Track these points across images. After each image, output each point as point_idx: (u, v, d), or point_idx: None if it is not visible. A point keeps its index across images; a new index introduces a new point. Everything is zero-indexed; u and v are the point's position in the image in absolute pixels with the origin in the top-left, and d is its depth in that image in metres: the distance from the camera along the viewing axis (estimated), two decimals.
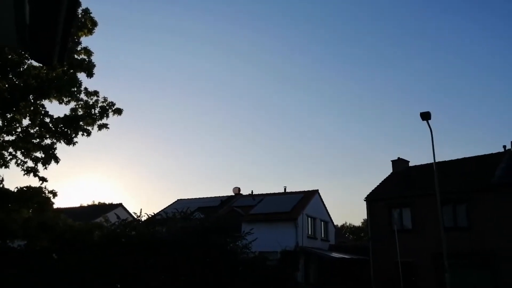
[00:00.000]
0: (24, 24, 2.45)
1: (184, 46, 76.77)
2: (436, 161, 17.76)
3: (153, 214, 14.08)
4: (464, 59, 75.82)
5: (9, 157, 11.52)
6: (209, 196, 36.63)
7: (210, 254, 11.39)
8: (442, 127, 70.54)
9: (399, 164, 29.12)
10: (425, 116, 17.14)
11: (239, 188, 35.94)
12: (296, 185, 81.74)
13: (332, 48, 78.99)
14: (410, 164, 29.67)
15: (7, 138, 11.76)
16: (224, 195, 36.13)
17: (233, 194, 35.87)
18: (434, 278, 22.16)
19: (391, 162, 29.69)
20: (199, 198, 36.50)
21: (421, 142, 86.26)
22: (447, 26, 72.91)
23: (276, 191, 34.58)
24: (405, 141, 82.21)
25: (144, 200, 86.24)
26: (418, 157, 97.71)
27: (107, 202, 40.07)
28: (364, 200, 26.59)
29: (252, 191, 35.10)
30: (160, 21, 76.63)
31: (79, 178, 77.47)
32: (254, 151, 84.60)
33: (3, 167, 11.16)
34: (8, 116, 11.37)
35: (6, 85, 11.14)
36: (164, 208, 30.29)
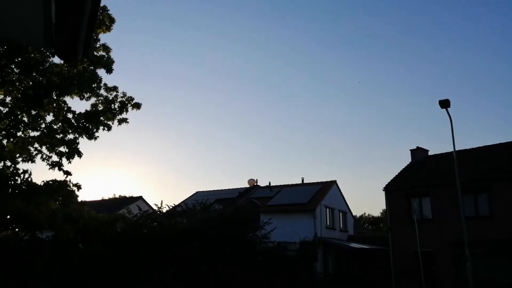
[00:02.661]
0: (50, 24, 2.61)
1: (202, 40, 77.06)
2: (456, 149, 17.52)
3: (173, 206, 14.40)
4: (483, 47, 73.79)
5: (35, 152, 11.95)
6: (227, 188, 37.00)
7: (229, 244, 11.62)
8: (462, 115, 69.09)
9: (418, 154, 28.76)
10: (444, 104, 16.90)
11: (254, 180, 36.12)
12: (314, 176, 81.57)
13: (350, 37, 77.94)
14: (429, 153, 29.29)
15: (32, 133, 12.20)
16: (242, 187, 36.43)
17: (247, 186, 36.10)
18: (454, 267, 21.98)
19: (410, 152, 29.35)
20: (217, 190, 36.91)
21: (440, 130, 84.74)
22: (468, 15, 70.98)
23: (294, 183, 34.65)
24: (424, 130, 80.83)
25: (164, 192, 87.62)
26: (437, 146, 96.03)
27: (127, 195, 40.88)
28: (383, 190, 26.43)
29: (269, 182, 35.26)
30: (176, 13, 77.02)
31: (100, 171, 79.18)
32: (272, 143, 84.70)
33: (30, 161, 11.60)
34: (33, 113, 11.77)
35: (30, 83, 11.52)
36: (184, 200, 30.80)
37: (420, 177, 25.98)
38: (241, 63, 78.27)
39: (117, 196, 47.08)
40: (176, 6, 75.42)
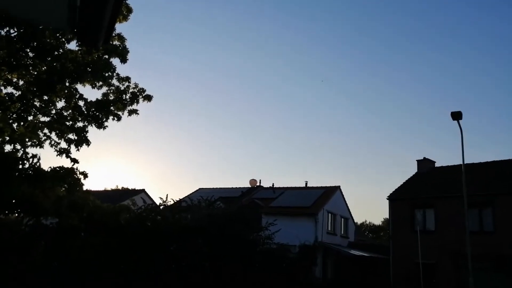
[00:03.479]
0: (75, 9, 2.55)
1: (210, 38, 77.10)
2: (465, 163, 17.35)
3: (178, 200, 14.34)
4: (497, 59, 73.30)
5: (44, 138, 11.93)
6: (230, 187, 36.91)
7: (232, 242, 11.55)
8: (470, 128, 68.64)
9: (425, 164, 28.59)
10: (456, 115, 16.75)
11: (255, 180, 35.99)
12: (317, 181, 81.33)
13: (358, 42, 77.73)
14: (436, 165, 29.08)
15: (42, 119, 12.17)
16: (245, 186, 36.33)
17: (249, 186, 35.97)
18: (455, 280, 21.79)
19: (416, 162, 29.17)
20: (220, 188, 36.84)
21: (447, 142, 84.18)
22: (479, 25, 70.53)
23: (296, 185, 34.52)
24: (431, 141, 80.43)
25: (165, 187, 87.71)
26: (443, 157, 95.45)
27: (130, 188, 40.89)
28: (387, 199, 26.27)
29: (273, 184, 35.15)
30: (189, 11, 77.11)
31: (104, 162, 79.40)
32: (275, 144, 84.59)
33: (38, 147, 11.58)
34: (45, 98, 11.75)
35: (44, 68, 11.50)
36: (188, 195, 30.76)
37: (425, 188, 25.81)
38: (248, 64, 78.23)
39: (119, 187, 47.12)
40: (177, 4, 75.55)
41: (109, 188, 45.91)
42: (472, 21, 71.66)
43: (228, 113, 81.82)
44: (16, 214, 11.53)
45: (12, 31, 10.93)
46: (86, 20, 2.66)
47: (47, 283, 10.60)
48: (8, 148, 10.83)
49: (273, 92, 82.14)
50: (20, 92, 11.53)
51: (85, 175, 12.19)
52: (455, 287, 21.64)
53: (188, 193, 35.66)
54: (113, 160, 79.76)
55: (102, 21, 2.63)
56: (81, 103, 12.38)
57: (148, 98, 13.19)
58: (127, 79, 12.96)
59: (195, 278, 11.20)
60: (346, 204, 33.27)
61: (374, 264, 26.66)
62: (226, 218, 12.51)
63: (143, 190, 33.92)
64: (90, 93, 41.22)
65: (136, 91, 13.08)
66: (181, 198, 14.83)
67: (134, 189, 36.64)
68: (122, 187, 47.13)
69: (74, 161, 12.24)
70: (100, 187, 51.65)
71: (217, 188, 36.76)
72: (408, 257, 23.21)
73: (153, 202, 20.33)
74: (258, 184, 36.28)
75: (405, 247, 23.69)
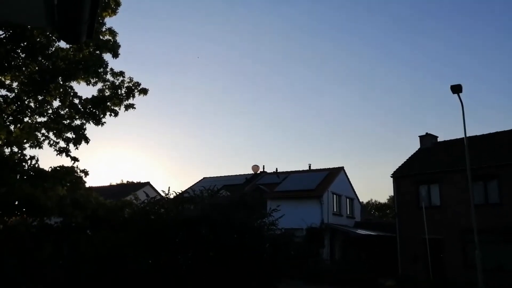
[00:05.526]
0: (52, 5, 2.45)
1: (208, 27, 76.31)
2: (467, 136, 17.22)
3: (181, 192, 14.36)
4: (496, 29, 72.25)
5: (42, 138, 11.89)
6: (234, 174, 37.02)
7: (236, 230, 11.58)
8: (472, 101, 68.12)
9: (427, 140, 28.44)
10: (456, 89, 16.56)
11: (258, 166, 36.02)
12: (321, 163, 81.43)
13: (358, 20, 76.74)
14: (439, 140, 28.93)
15: (39, 119, 12.12)
16: (249, 173, 36.42)
17: (253, 172, 36.02)
18: (462, 255, 21.89)
19: (418, 138, 29.03)
20: (224, 176, 36.96)
21: (449, 116, 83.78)
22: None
23: (301, 169, 34.56)
24: (433, 116, 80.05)
25: (171, 178, 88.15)
26: (446, 132, 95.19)
27: (135, 181, 41.12)
28: (391, 177, 26.26)
29: (276, 168, 35.21)
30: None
31: (108, 157, 79.70)
32: (278, 129, 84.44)
33: (37, 147, 11.55)
34: (40, 98, 11.68)
35: (36, 68, 11.39)
36: (191, 186, 30.88)
37: (429, 164, 25.74)
38: (250, 51, 77.55)
39: (124, 182, 47.40)
40: None
41: (114, 183, 46.13)
42: None
43: (231, 100, 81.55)
44: (19, 216, 11.58)
45: (0, 32, 10.80)
46: (65, 16, 2.56)
47: (57, 279, 10.81)
48: (6, 151, 10.80)
49: (275, 78, 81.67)
50: (14, 94, 11.46)
51: (86, 173, 12.19)
52: (462, 260, 21.74)
53: (194, 182, 35.85)
54: (118, 155, 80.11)
55: (82, 14, 2.53)
56: (76, 101, 12.31)
57: (144, 91, 13.09)
58: (121, 73, 12.84)
59: (202, 269, 11.26)
60: (351, 184, 33.32)
61: (381, 243, 26.82)
62: (230, 206, 12.51)
63: (148, 183, 34.08)
64: (86, 90, 41.17)
65: (131, 85, 12.98)
66: (182, 190, 14.80)
67: (139, 182, 36.85)
68: (128, 181, 47.38)
69: (74, 159, 12.23)
70: (105, 183, 51.90)
71: (221, 176, 36.90)
72: (414, 234, 23.30)
73: (158, 195, 20.38)
74: (261, 170, 36.34)
75: (412, 224, 23.76)
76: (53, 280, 10.60)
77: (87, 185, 13.13)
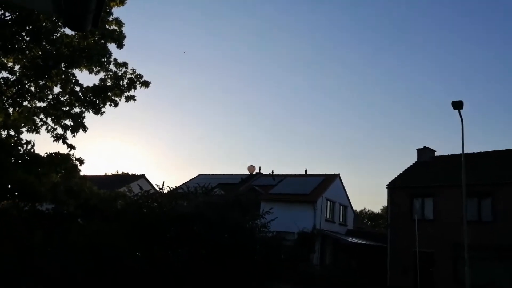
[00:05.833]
0: None
1: (209, 24, 76.28)
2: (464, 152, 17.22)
3: (175, 187, 14.33)
4: (496, 52, 72.53)
5: (40, 123, 11.84)
6: (229, 173, 36.88)
7: (229, 229, 11.54)
8: (470, 118, 68.31)
9: (425, 153, 28.45)
10: (457, 105, 16.55)
11: (254, 166, 35.88)
12: (317, 168, 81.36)
13: (360, 32, 76.87)
14: (436, 154, 28.95)
15: (39, 104, 12.06)
16: (245, 173, 36.31)
17: (248, 173, 35.90)
18: (452, 270, 21.89)
19: (416, 150, 29.03)
20: (220, 174, 36.83)
21: (448, 131, 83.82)
22: (482, 15, 69.57)
23: (297, 173, 34.49)
24: (432, 130, 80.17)
25: (166, 172, 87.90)
26: (444, 146, 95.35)
27: (130, 173, 40.91)
28: (386, 187, 26.23)
29: (272, 171, 35.11)
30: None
31: (105, 147, 79.48)
32: (277, 132, 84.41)
33: (34, 132, 11.50)
34: (41, 83, 11.62)
35: (40, 52, 11.33)
36: (186, 182, 30.78)
37: (424, 177, 25.74)
38: (250, 52, 77.53)
39: (120, 173, 47.16)
40: None
41: (109, 173, 45.94)
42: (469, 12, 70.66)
43: (231, 99, 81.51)
44: (11, 200, 11.51)
45: (7, 14, 10.74)
46: (72, 3, 2.53)
47: (46, 268, 10.68)
48: (3, 133, 10.74)
49: (273, 80, 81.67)
50: (15, 77, 11.39)
51: (81, 161, 12.15)
52: (452, 276, 21.75)
53: (189, 178, 35.73)
54: (114, 145, 79.85)
55: (89, 3, 2.51)
56: (77, 88, 12.25)
57: (146, 84, 13.05)
58: (124, 64, 12.80)
59: (193, 266, 11.21)
60: (345, 191, 33.26)
61: (372, 252, 26.79)
62: (223, 205, 12.47)
63: (143, 176, 33.93)
64: (88, 78, 40.95)
65: (133, 77, 12.93)
66: (177, 185, 14.76)
67: (134, 175, 36.64)
68: (122, 172, 47.12)
69: (71, 147, 12.19)
70: (100, 173, 51.71)
71: (217, 174, 36.78)
72: (406, 246, 23.28)
73: (152, 188, 20.27)
74: (257, 171, 36.24)
75: (403, 235, 23.74)
76: (48, 275, 10.42)
77: (81, 173, 13.09)
